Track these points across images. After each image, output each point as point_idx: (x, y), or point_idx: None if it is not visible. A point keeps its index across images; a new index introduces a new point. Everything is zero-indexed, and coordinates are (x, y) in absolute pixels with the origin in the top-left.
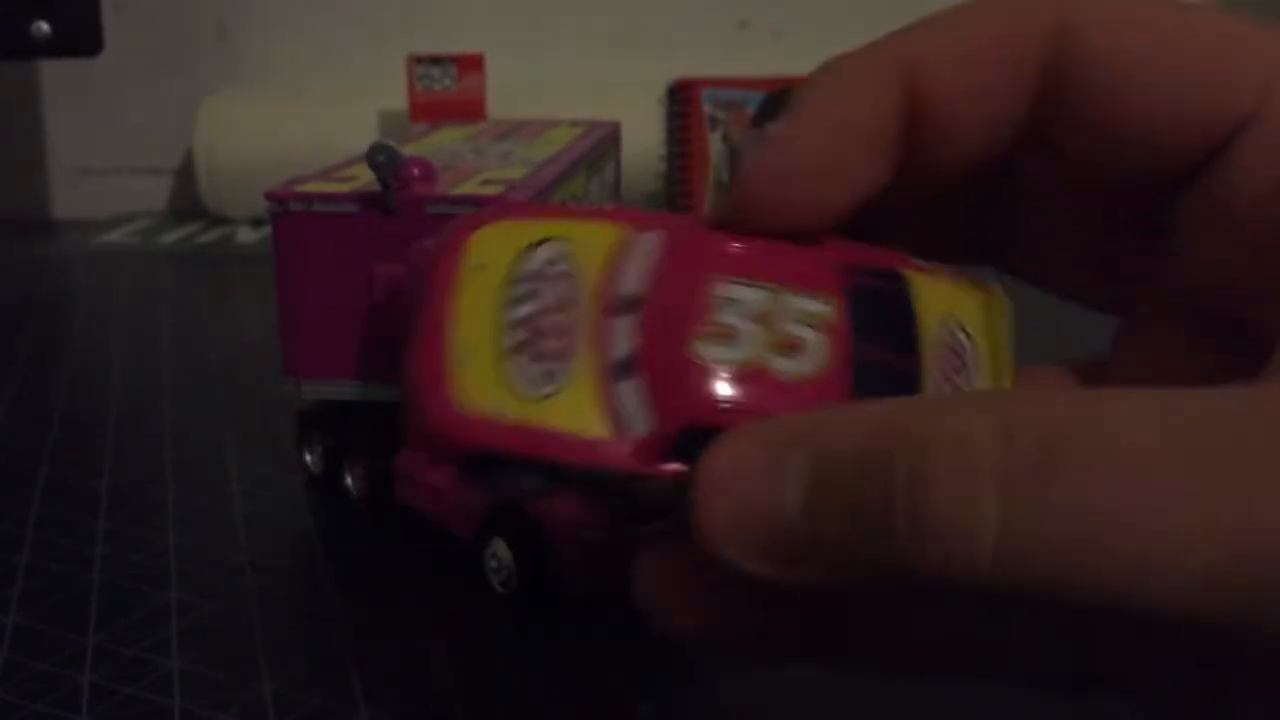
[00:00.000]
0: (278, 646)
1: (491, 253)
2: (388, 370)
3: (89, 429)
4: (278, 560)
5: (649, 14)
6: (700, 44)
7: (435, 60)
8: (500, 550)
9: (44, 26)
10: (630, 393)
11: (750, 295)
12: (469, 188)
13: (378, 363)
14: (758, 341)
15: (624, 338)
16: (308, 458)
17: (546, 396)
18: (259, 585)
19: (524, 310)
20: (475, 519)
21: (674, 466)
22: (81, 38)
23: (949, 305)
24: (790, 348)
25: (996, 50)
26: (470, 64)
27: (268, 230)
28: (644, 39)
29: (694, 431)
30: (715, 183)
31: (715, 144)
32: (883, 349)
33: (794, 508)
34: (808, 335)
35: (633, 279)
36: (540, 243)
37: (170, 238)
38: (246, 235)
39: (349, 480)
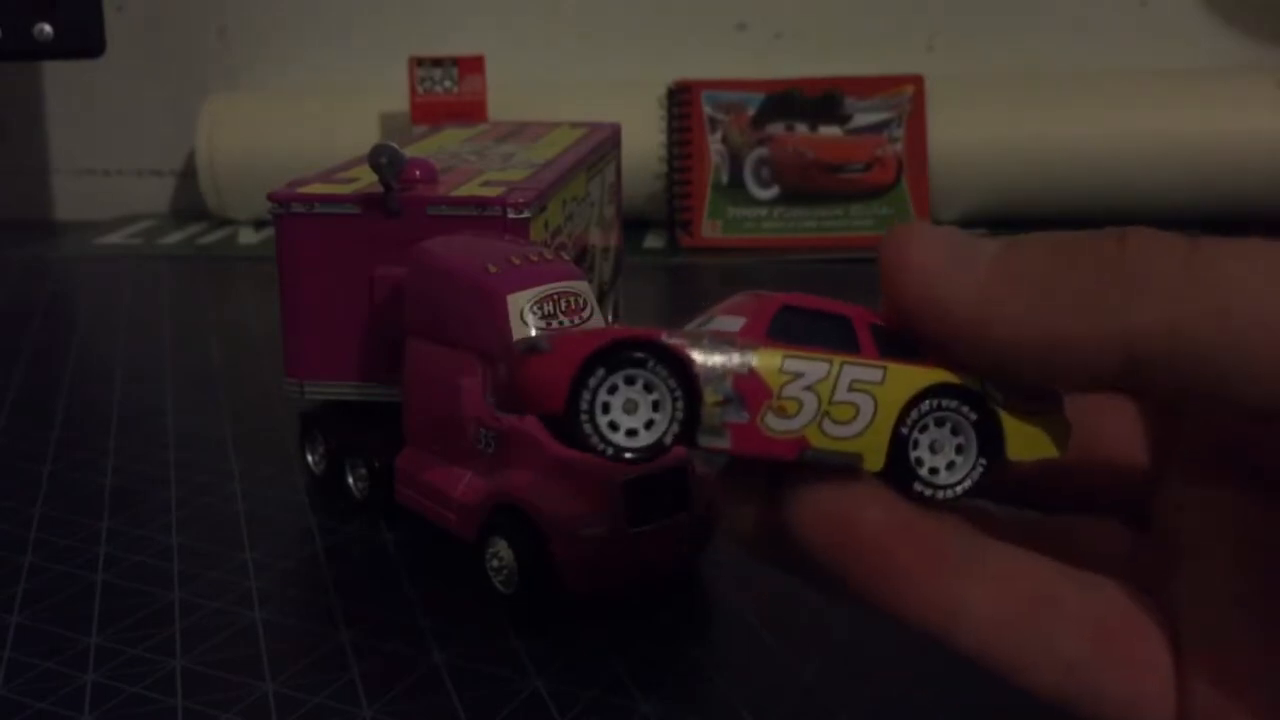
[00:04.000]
0: (280, 646)
1: None
2: (389, 371)
3: (91, 430)
4: (279, 560)
5: (649, 15)
6: (700, 45)
7: (436, 62)
8: (501, 550)
9: (46, 28)
10: (719, 321)
11: None
12: (470, 189)
13: (379, 363)
14: None
15: (702, 319)
16: (309, 458)
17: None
18: (261, 585)
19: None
20: (476, 519)
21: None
22: (83, 39)
23: None
24: None
25: None
26: (471, 65)
27: (270, 231)
28: (644, 40)
29: (786, 312)
30: (714, 184)
31: (715, 145)
32: None
33: (986, 251)
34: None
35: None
36: None
37: (172, 239)
38: (248, 236)
39: (350, 480)
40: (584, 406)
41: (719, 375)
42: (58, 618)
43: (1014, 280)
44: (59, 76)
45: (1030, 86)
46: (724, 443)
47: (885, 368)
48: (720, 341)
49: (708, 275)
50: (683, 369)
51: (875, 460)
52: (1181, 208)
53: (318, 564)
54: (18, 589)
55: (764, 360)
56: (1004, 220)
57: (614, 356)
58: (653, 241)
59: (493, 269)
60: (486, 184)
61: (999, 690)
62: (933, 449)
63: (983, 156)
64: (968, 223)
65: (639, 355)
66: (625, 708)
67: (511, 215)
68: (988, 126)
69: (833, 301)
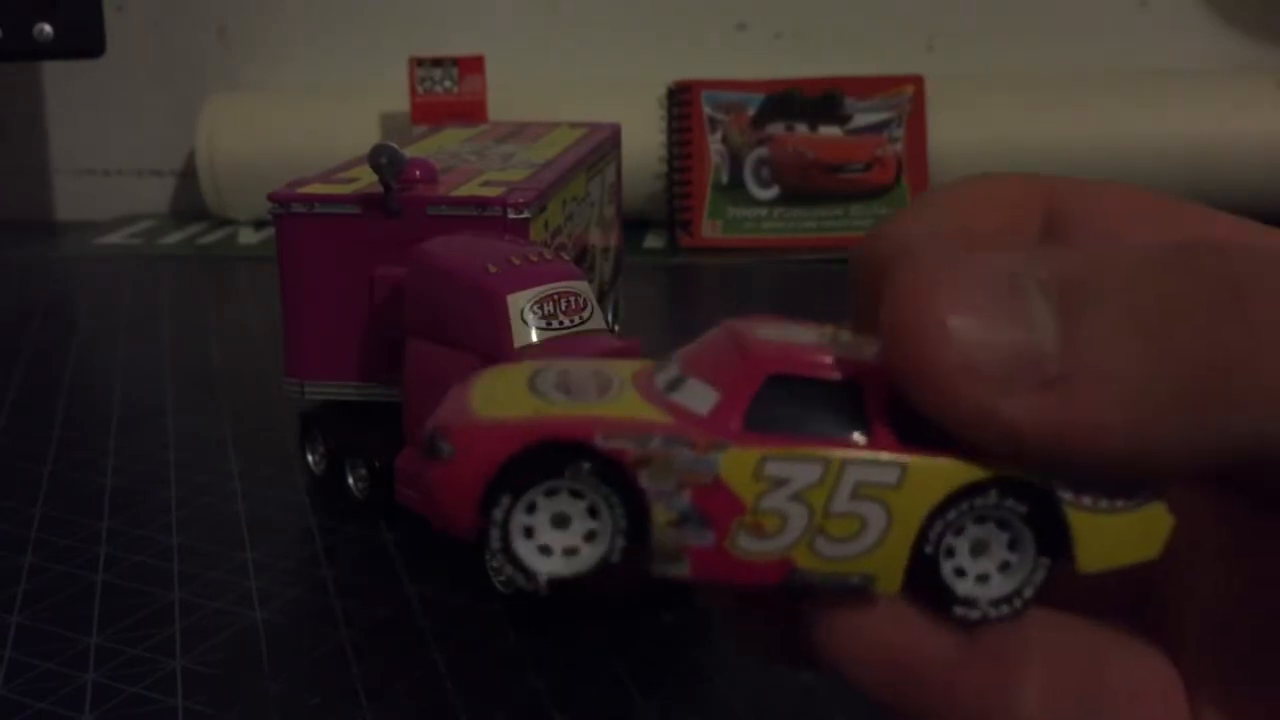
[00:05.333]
0: (280, 646)
1: (509, 370)
2: (389, 371)
3: (92, 430)
4: (280, 560)
5: (649, 15)
6: (700, 45)
7: (437, 62)
8: None
9: (46, 28)
10: (689, 390)
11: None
12: (470, 189)
13: (379, 363)
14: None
15: (669, 370)
16: (310, 458)
17: (596, 401)
18: (261, 585)
19: (553, 374)
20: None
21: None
22: (83, 39)
23: None
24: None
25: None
26: (471, 65)
27: (270, 231)
28: (644, 40)
29: (774, 386)
30: (714, 184)
31: (715, 145)
32: None
33: (1044, 322)
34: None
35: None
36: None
37: (172, 239)
38: (248, 236)
39: (350, 480)
40: (495, 544)
41: (672, 489)
42: (58, 618)
43: (1094, 377)
44: (59, 76)
45: (1030, 86)
46: (683, 570)
47: (904, 464)
48: (675, 441)
49: (708, 275)
50: (620, 477)
51: (890, 581)
52: None
53: (318, 564)
54: (18, 589)
55: (734, 465)
56: None
57: (521, 476)
58: (653, 241)
59: (493, 269)
60: (486, 184)
61: None
62: (975, 551)
63: (983, 156)
64: None
65: (553, 466)
66: (625, 708)
67: (511, 215)
68: (988, 126)
69: (839, 356)
